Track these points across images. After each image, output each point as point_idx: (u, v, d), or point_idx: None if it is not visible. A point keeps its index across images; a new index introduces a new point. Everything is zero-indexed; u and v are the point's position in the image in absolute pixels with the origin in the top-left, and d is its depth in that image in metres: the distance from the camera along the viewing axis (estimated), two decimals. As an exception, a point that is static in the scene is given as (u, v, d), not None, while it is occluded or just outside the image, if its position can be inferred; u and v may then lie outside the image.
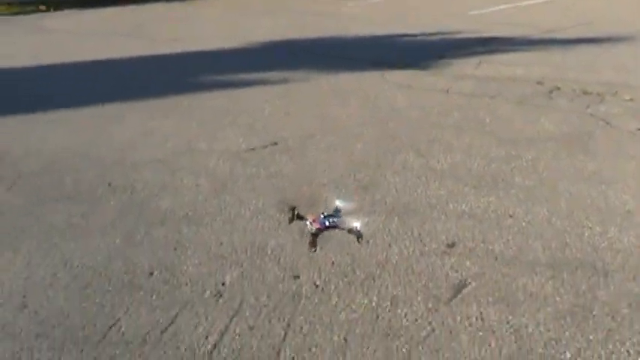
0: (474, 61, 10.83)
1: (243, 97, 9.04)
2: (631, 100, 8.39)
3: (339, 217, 4.61)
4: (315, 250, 4.32)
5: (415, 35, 13.56)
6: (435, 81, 9.63)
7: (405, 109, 8.08)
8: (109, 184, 5.79)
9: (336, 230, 4.49)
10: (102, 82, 10.41)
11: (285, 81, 9.97)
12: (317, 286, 4.05)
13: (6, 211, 5.30)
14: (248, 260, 4.39)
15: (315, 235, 4.38)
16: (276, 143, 6.78)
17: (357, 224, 4.52)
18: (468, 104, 8.29)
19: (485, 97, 8.65)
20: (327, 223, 4.55)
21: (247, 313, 3.80)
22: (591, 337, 3.52)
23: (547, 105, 8.17)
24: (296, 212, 4.70)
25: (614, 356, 3.38)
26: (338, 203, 4.76)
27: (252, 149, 6.62)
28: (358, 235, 4.41)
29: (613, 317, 3.71)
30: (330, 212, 4.69)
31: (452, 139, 6.83)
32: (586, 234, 4.67)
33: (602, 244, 4.52)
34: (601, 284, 4.03)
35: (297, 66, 10.97)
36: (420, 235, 4.68)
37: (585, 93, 8.66)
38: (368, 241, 4.57)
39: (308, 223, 4.57)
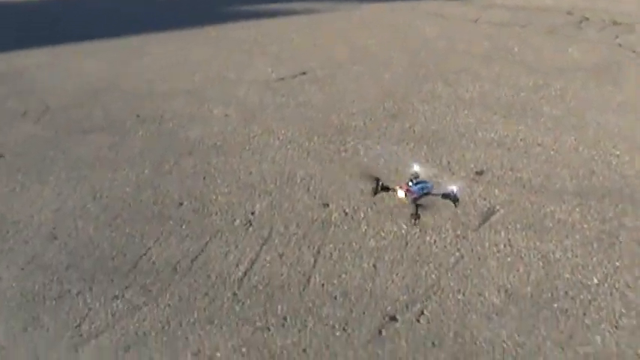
0: (502, -10, 10.72)
1: (271, 27, 9.03)
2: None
3: (427, 182, 4.46)
4: (418, 220, 4.09)
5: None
6: (465, 10, 9.56)
7: (433, 39, 8.06)
8: (138, 116, 5.82)
9: (430, 196, 4.39)
10: (124, 14, 10.39)
11: (312, 11, 9.94)
12: (346, 214, 4.07)
13: (34, 144, 5.33)
14: (277, 189, 4.41)
15: (416, 206, 4.26)
16: (304, 73, 6.78)
17: (452, 187, 4.43)
18: (498, 34, 8.24)
19: (515, 26, 8.59)
20: (421, 191, 4.42)
21: (277, 241, 3.82)
22: (618, 263, 3.52)
23: (576, 35, 8.10)
24: (380, 183, 4.51)
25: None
26: (416, 168, 4.61)
27: (281, 79, 6.62)
28: (455, 200, 4.30)
29: (639, 243, 3.71)
30: (415, 178, 4.50)
31: (481, 68, 6.80)
32: (613, 162, 4.66)
33: (630, 172, 4.51)
34: (628, 211, 4.03)
35: (324, -4, 10.92)
36: (448, 163, 4.69)
37: (615, 23, 8.57)
38: (397, 169, 4.58)
39: (401, 193, 4.40)
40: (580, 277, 3.41)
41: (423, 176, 4.27)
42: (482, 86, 6.23)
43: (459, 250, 3.64)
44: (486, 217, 3.97)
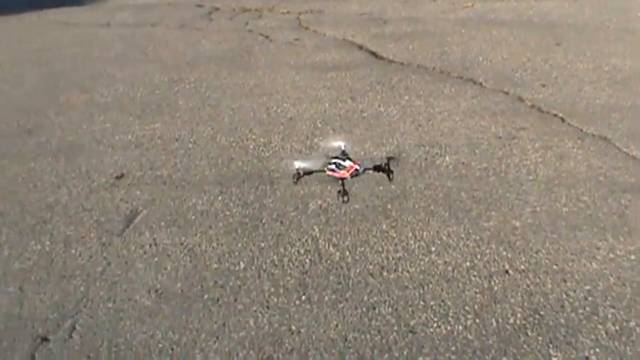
0: (131, -11, 10.69)
1: None
2: (287, 12, 8.66)
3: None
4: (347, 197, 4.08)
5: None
6: (95, 15, 9.47)
7: (65, 47, 7.92)
8: None
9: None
10: None
11: None
12: (-17, 243, 3.91)
13: None
14: None
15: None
16: None
17: (340, 144, 4.42)
18: (131, 34, 8.24)
19: (147, 25, 8.62)
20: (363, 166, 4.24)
21: None
22: (263, 245, 3.65)
23: (207, 27, 8.27)
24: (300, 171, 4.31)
25: (285, 259, 3.52)
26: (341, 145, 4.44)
27: None
28: (389, 172, 4.21)
29: (281, 222, 3.86)
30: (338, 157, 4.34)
31: (115, 71, 6.77)
32: (251, 146, 4.81)
33: (267, 154, 4.68)
34: (268, 192, 4.18)
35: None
36: (87, 171, 4.61)
37: (244, 10, 8.86)
38: (36, 185, 4.46)
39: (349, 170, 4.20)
40: (227, 264, 3.50)
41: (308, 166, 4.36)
42: (118, 89, 6.20)
43: (105, 258, 3.61)
44: (130, 220, 3.96)
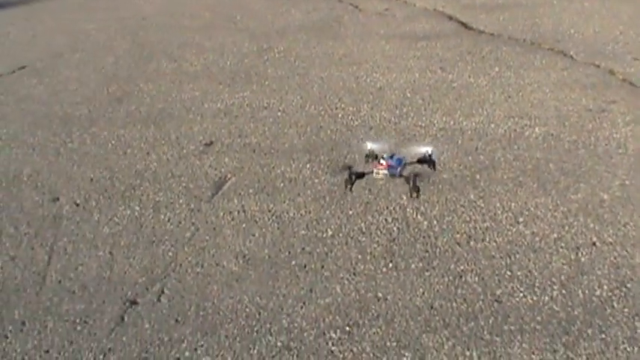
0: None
1: (-17, 23, 8.63)
2: (376, -18, 8.59)
3: (394, 153, 4.07)
4: (419, 193, 3.84)
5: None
6: (182, -16, 9.51)
7: (153, 16, 8.00)
8: None
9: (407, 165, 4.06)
10: None
11: (28, 1, 9.58)
12: (77, 205, 3.94)
13: None
14: (4, 190, 4.20)
15: (414, 177, 3.87)
16: (24, 67, 6.52)
17: (427, 149, 4.10)
18: (219, 4, 8.29)
19: (235, -6, 8.64)
20: (400, 163, 3.97)
21: (8, 244, 3.63)
22: (350, 212, 3.63)
23: (297, -5, 8.25)
24: (353, 172, 4.01)
25: (372, 226, 3.49)
26: (370, 146, 4.27)
27: (-1, 76, 6.35)
28: (431, 163, 4.05)
29: (370, 190, 3.84)
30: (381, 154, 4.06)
31: (204, 40, 6.82)
32: (340, 115, 4.80)
33: (356, 123, 4.66)
34: (356, 161, 4.17)
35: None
36: (177, 138, 4.65)
37: (335, -20, 8.79)
38: (125, 152, 4.50)
39: (383, 171, 3.93)
40: (315, 231, 3.48)
41: (379, 150, 4.14)
42: (207, 58, 6.26)
43: (193, 223, 3.63)
44: (218, 186, 3.98)
